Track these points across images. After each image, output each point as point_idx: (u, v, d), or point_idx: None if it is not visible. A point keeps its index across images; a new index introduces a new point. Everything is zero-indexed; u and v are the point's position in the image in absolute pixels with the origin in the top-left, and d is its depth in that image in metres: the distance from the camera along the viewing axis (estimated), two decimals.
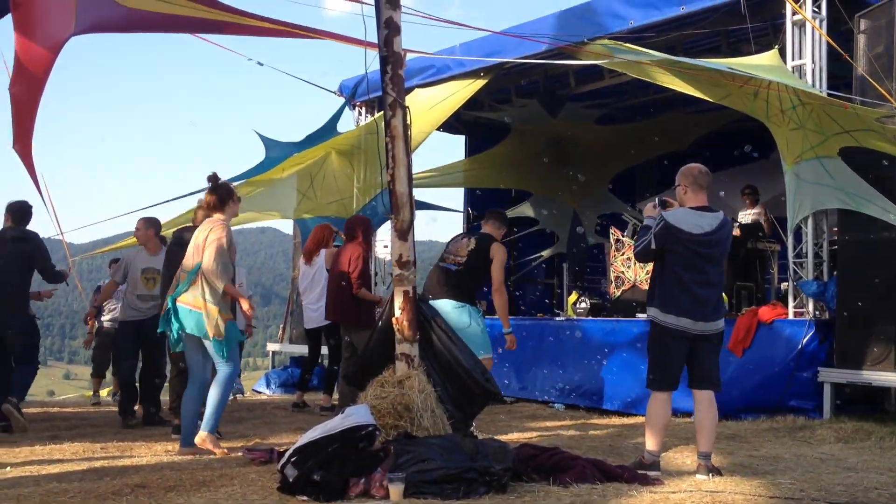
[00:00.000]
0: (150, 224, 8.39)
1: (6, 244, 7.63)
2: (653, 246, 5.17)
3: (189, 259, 6.22)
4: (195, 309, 6.06)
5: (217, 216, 6.31)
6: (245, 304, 6.35)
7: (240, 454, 6.02)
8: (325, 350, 9.85)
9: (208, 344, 6.11)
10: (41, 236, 8.03)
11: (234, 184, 9.72)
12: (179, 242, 7.11)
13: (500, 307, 7.12)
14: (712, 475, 4.99)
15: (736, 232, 10.29)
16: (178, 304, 6.12)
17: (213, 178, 6.40)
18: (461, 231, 12.06)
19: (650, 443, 5.20)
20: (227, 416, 8.05)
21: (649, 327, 5.33)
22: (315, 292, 9.33)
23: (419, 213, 10.44)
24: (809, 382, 7.65)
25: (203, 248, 6.12)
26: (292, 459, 4.52)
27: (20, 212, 7.81)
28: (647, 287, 9.78)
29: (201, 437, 6.10)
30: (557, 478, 4.64)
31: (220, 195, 6.32)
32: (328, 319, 8.37)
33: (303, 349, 12.42)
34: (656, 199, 5.49)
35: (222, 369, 6.17)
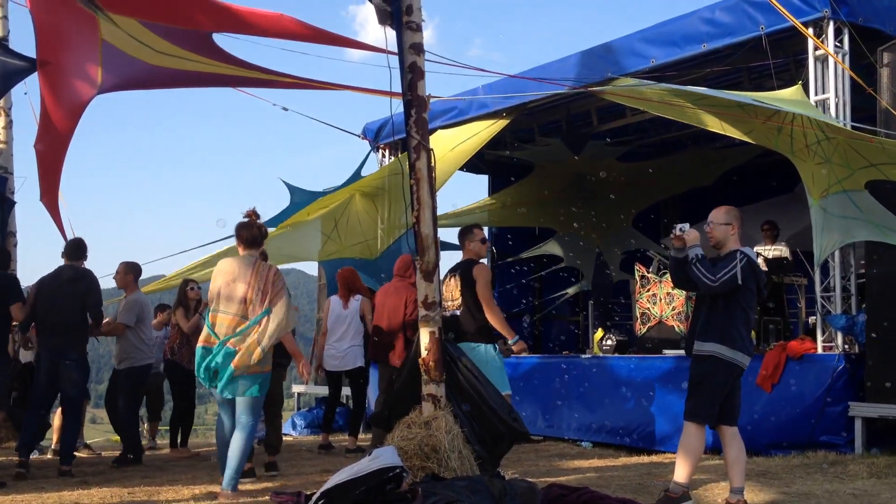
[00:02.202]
0: (130, 269, 8.65)
1: (64, 282, 7.69)
2: (739, 281, 5.15)
3: (232, 299, 6.03)
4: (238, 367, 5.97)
5: (248, 252, 6.22)
6: (303, 364, 6.62)
7: (267, 497, 6.01)
8: (347, 391, 9.85)
9: (244, 397, 6.07)
10: None
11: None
12: None
13: (496, 323, 6.89)
14: None
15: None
16: (228, 346, 5.99)
17: (255, 215, 6.31)
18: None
19: (683, 475, 5.19)
20: (254, 458, 8.06)
21: (704, 362, 5.28)
22: (339, 334, 9.34)
23: (448, 255, 10.50)
24: (840, 417, 7.54)
25: (268, 291, 6.02)
26: (320, 502, 4.52)
27: (74, 248, 7.88)
28: (672, 324, 9.85)
29: (224, 494, 6.02)
30: None
31: (262, 232, 6.31)
32: (374, 359, 8.28)
33: (327, 390, 12.44)
34: (686, 224, 5.43)
35: (244, 419, 6.12)
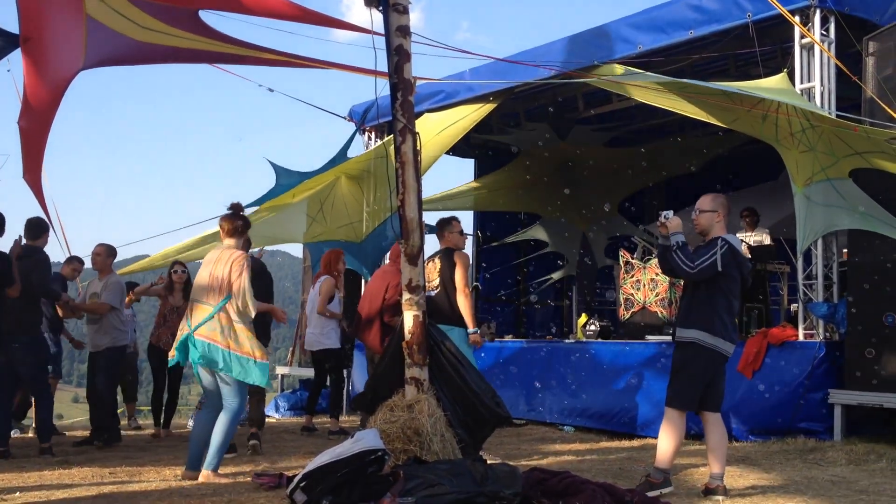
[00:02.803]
0: (111, 252, 8.67)
1: (18, 261, 7.61)
2: (719, 268, 5.18)
3: (204, 290, 6.18)
4: (213, 342, 6.03)
5: (229, 242, 6.36)
6: (278, 313, 6.92)
7: (249, 479, 6.02)
8: None
9: (225, 375, 6.09)
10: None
11: (247, 211, 9.84)
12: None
13: (464, 309, 7.21)
14: (726, 496, 5.06)
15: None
16: (196, 337, 6.08)
17: (237, 207, 6.53)
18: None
19: (664, 460, 5.23)
20: (236, 440, 8.07)
21: (686, 349, 5.31)
22: (309, 315, 9.52)
23: (432, 238, 10.51)
24: (820, 404, 7.61)
25: (228, 277, 6.12)
26: (301, 485, 4.53)
27: (30, 227, 7.84)
28: (656, 309, 9.89)
29: (205, 474, 6.06)
30: (567, 502, 4.63)
31: (243, 223, 6.45)
32: (356, 338, 8.44)
33: (311, 372, 12.43)
34: (670, 212, 5.46)
35: (231, 403, 6.14)
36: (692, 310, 5.32)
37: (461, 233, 7.42)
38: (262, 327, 8.02)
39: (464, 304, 7.19)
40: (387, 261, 8.44)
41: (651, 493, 5.02)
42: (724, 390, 5.39)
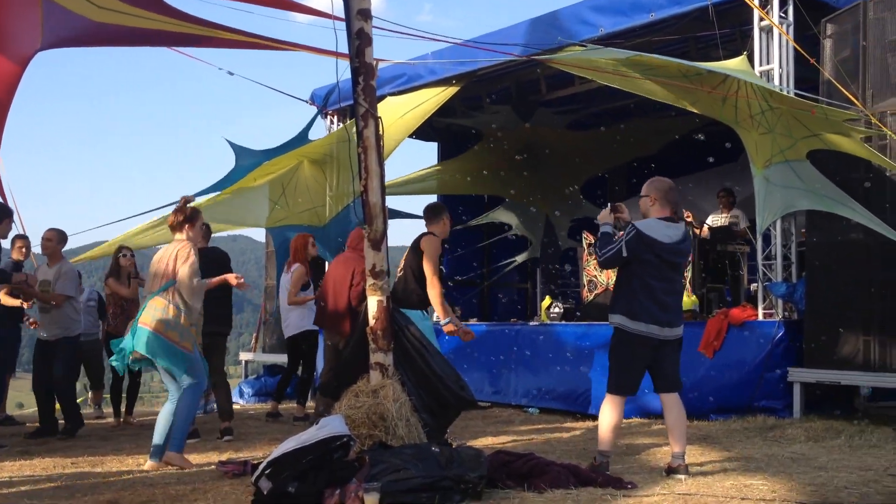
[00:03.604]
0: (63, 238, 8.44)
1: None
2: (624, 254, 5.25)
3: (154, 282, 6.24)
4: (160, 334, 6.03)
5: (178, 237, 6.37)
6: (231, 278, 6.64)
7: (213, 467, 5.99)
8: None
9: (166, 362, 6.10)
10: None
11: (207, 196, 9.72)
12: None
13: (433, 299, 6.73)
14: (686, 474, 5.10)
15: (705, 232, 10.42)
16: (141, 326, 6.07)
17: (185, 201, 6.50)
18: None
19: (604, 444, 5.30)
20: (200, 426, 8.03)
21: (614, 334, 5.41)
22: (283, 300, 9.44)
23: (396, 223, 10.45)
24: (779, 382, 7.74)
25: (173, 266, 6.14)
26: (266, 472, 4.51)
27: None
28: None
29: (169, 456, 6.07)
30: (532, 483, 4.67)
31: (185, 217, 6.41)
32: (316, 324, 8.32)
33: (276, 358, 12.38)
34: (609, 205, 5.58)
35: (187, 382, 6.15)
36: (615, 295, 5.46)
37: (447, 221, 7.24)
38: (223, 317, 7.97)
39: (434, 293, 6.70)
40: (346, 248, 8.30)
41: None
42: (676, 371, 5.38)
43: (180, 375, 6.14)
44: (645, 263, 5.25)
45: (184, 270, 6.10)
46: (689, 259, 5.64)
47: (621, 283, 5.41)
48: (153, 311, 6.08)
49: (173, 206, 6.56)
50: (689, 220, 10.16)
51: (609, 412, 5.33)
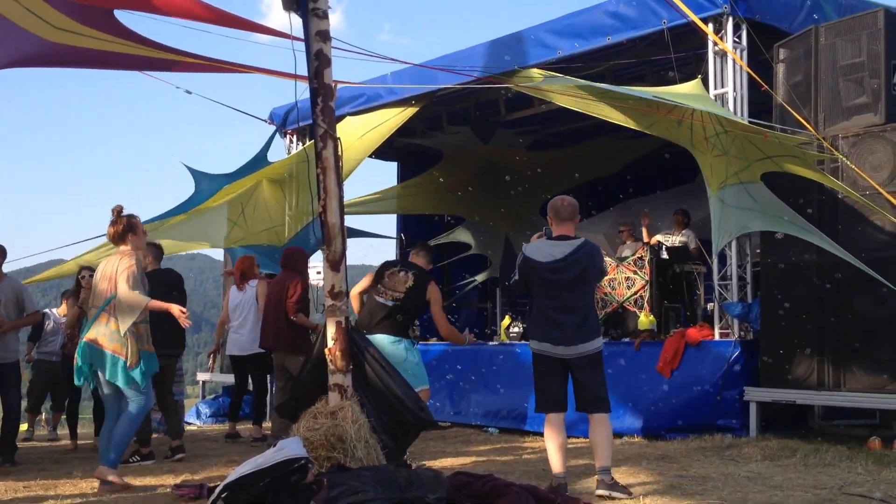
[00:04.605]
0: (2, 252, 8.11)
1: None
2: (516, 276, 5.54)
3: (98, 295, 6.20)
4: (103, 348, 6.03)
5: (122, 248, 6.34)
6: (175, 310, 6.34)
7: (168, 490, 5.90)
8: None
9: (110, 375, 6.08)
10: None
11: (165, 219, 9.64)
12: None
13: (453, 337, 7.52)
14: (613, 489, 5.11)
15: (654, 241, 10.56)
16: (86, 342, 6.07)
17: (117, 211, 6.41)
18: (394, 258, 12.03)
19: (555, 466, 5.35)
20: (156, 448, 7.92)
21: None
22: (240, 319, 9.34)
23: (355, 242, 10.45)
24: (736, 401, 7.82)
25: (115, 279, 6.09)
26: (223, 495, 4.46)
27: None
28: None
29: (101, 470, 6.03)
30: None
31: (123, 227, 6.35)
32: (263, 347, 8.40)
33: (233, 378, 12.25)
34: (544, 228, 5.72)
35: (135, 402, 6.14)
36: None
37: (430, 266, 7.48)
38: (176, 338, 7.88)
39: (451, 336, 7.49)
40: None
41: (573, 496, 5.08)
42: (595, 390, 5.38)
43: (126, 388, 6.11)
44: (534, 284, 5.48)
45: (121, 285, 6.06)
46: (603, 273, 5.85)
47: (529, 305, 5.63)
48: (97, 325, 6.07)
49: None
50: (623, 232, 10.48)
51: (548, 435, 5.42)
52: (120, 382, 6.08)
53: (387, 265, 7.18)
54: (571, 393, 5.49)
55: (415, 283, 7.01)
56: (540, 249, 5.50)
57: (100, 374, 6.15)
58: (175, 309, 6.36)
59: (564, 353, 5.35)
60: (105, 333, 6.04)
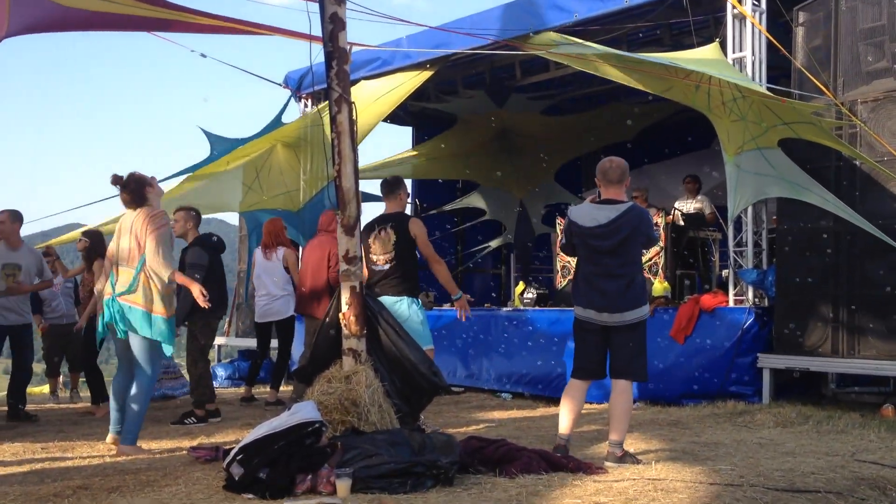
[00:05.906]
0: (17, 218, 8.23)
1: None
2: (563, 240, 5.41)
3: (121, 252, 6.05)
4: (133, 305, 5.96)
5: (145, 209, 6.12)
6: (196, 290, 6.28)
7: (184, 452, 5.96)
8: (274, 343, 9.79)
9: (141, 342, 6.01)
10: None
11: (178, 179, 9.62)
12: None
13: (442, 277, 6.95)
14: (622, 462, 5.09)
15: (665, 220, 10.47)
16: (122, 301, 5.98)
17: (117, 180, 6.15)
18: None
19: (560, 426, 5.33)
20: (172, 412, 8.00)
21: None
22: (267, 285, 9.29)
23: (370, 207, 10.43)
24: (749, 368, 7.82)
25: (141, 238, 5.97)
26: (238, 458, 4.50)
27: None
28: None
29: (120, 449, 6.04)
30: (504, 469, 4.69)
31: (133, 189, 6.12)
32: (301, 312, 8.21)
33: (249, 342, 12.33)
34: (597, 191, 5.57)
35: (144, 373, 6.07)
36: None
37: (406, 193, 7.19)
38: (216, 301, 7.80)
39: (443, 272, 6.92)
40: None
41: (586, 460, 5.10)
42: (626, 358, 5.26)
43: (142, 353, 6.04)
44: (579, 248, 5.35)
45: (150, 250, 5.93)
46: (651, 241, 5.61)
47: (574, 269, 5.54)
48: (122, 282, 5.98)
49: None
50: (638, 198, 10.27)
51: (565, 397, 5.41)
52: (146, 334, 5.94)
53: (367, 231, 6.82)
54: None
55: (398, 235, 6.78)
56: (585, 213, 5.30)
57: (119, 330, 6.03)
58: (196, 289, 6.29)
59: (606, 321, 5.21)
60: (139, 291, 5.94)
